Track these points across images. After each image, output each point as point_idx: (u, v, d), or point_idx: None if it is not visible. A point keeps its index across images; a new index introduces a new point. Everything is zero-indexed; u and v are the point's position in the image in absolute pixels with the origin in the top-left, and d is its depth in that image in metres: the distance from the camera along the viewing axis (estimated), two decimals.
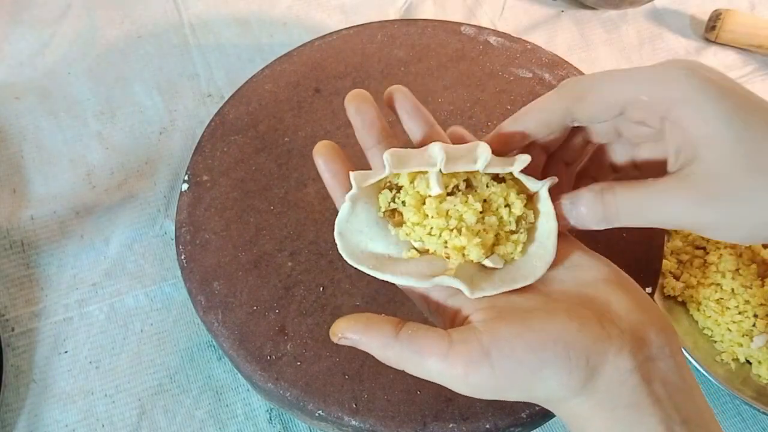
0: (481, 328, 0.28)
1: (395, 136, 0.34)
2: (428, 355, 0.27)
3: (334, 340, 0.29)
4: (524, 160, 0.31)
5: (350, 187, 0.32)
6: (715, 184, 0.27)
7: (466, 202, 0.31)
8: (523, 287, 0.30)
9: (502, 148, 0.32)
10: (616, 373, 0.26)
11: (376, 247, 0.32)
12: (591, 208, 0.30)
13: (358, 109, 0.34)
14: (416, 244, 0.32)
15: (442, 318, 0.31)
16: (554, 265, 0.31)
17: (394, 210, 0.32)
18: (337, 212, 0.33)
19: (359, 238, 0.32)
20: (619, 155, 0.34)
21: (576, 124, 0.32)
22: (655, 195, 0.29)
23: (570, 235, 0.33)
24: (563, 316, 0.27)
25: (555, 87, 0.33)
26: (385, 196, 0.32)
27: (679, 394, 0.27)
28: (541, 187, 0.32)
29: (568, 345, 0.26)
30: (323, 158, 0.34)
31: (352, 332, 0.29)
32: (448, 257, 0.31)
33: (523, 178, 0.32)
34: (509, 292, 0.30)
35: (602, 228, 0.31)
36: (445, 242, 0.31)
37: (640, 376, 0.26)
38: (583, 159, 0.35)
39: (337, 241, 0.32)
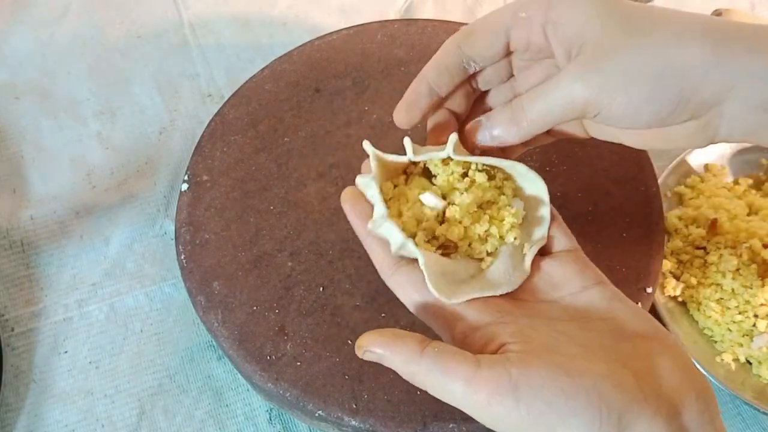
0: (513, 358, 0.26)
1: None
2: (453, 376, 0.26)
3: (359, 354, 0.29)
4: (452, 139, 0.32)
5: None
6: (602, 49, 0.29)
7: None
8: (563, 326, 0.29)
9: (413, 107, 0.34)
10: None
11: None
12: (501, 115, 0.32)
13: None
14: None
15: (469, 349, 0.29)
16: (593, 314, 0.30)
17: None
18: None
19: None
20: (503, 97, 0.36)
21: (472, 66, 0.33)
22: (554, 84, 0.30)
23: (609, 284, 0.32)
24: (602, 369, 0.26)
25: None
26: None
27: None
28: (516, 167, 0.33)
29: (603, 398, 0.25)
30: (349, 202, 0.33)
31: (377, 346, 0.28)
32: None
33: (493, 162, 0.33)
34: (545, 334, 0.29)
35: (519, 140, 0.32)
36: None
37: None
38: (467, 112, 0.36)
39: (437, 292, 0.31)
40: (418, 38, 0.56)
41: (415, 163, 0.34)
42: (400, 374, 0.28)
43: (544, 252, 0.33)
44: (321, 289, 0.46)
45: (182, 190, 0.50)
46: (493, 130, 0.32)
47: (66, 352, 0.51)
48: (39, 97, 0.63)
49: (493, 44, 0.33)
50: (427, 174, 0.34)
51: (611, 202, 0.49)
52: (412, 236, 0.31)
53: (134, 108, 0.63)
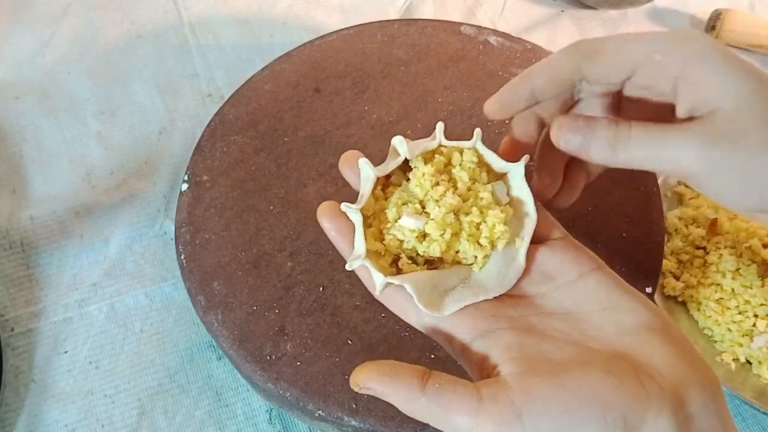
0: (512, 383, 0.26)
1: None
2: (456, 412, 0.26)
3: (355, 389, 0.28)
4: (478, 133, 0.31)
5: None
6: (732, 128, 0.26)
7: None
8: (559, 322, 0.29)
9: (508, 105, 0.32)
10: None
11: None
12: (603, 132, 0.29)
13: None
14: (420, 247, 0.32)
15: (468, 362, 0.29)
16: (591, 304, 0.30)
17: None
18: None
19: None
20: (591, 110, 0.34)
21: (584, 85, 0.31)
22: (671, 132, 0.28)
23: (606, 269, 0.31)
24: (599, 372, 0.26)
25: None
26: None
27: None
28: (512, 169, 0.32)
29: (605, 406, 0.25)
30: (327, 217, 0.32)
31: (375, 383, 0.27)
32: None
33: (488, 155, 0.32)
34: (539, 336, 0.28)
35: (603, 161, 0.29)
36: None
37: None
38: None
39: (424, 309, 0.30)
40: (418, 38, 0.56)
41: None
42: (401, 410, 0.27)
43: (534, 242, 0.32)
44: (321, 289, 0.46)
45: (182, 190, 0.50)
46: (587, 140, 0.30)
47: (66, 352, 0.51)
48: (39, 97, 0.63)
49: (618, 73, 0.30)
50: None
51: (611, 202, 0.49)
52: (396, 258, 0.31)
53: (134, 108, 0.63)
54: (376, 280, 0.30)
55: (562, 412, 0.25)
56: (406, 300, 0.30)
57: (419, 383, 0.27)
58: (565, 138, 0.30)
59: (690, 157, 0.27)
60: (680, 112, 0.29)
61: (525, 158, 0.32)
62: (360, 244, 0.31)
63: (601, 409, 0.25)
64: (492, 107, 0.33)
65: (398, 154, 0.32)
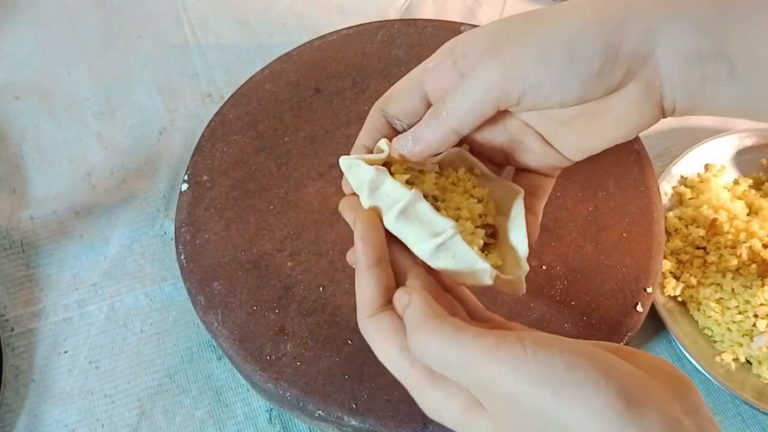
0: (518, 329, 0.28)
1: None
2: (464, 331, 0.26)
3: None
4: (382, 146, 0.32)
5: (378, 259, 0.31)
6: (510, 37, 0.30)
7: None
8: None
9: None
10: None
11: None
12: (425, 117, 0.32)
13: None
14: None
15: None
16: None
17: None
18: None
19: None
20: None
21: (398, 124, 0.34)
22: (471, 75, 0.30)
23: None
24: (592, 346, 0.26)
25: None
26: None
27: None
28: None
29: (607, 374, 0.24)
30: (364, 224, 0.31)
31: (417, 292, 0.28)
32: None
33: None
34: None
35: (442, 140, 0.31)
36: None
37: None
38: None
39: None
40: (418, 38, 0.56)
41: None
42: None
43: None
44: (321, 289, 0.46)
45: (182, 190, 0.50)
46: (415, 135, 0.32)
47: (66, 352, 0.51)
48: (39, 97, 0.63)
49: (410, 100, 0.33)
50: None
51: (611, 202, 0.49)
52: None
53: (134, 108, 0.63)
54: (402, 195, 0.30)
55: (563, 349, 0.25)
56: (393, 330, 0.29)
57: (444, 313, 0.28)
58: (400, 146, 0.32)
59: (493, 72, 0.29)
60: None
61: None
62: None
63: (605, 373, 0.24)
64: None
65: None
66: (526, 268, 0.32)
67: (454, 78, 0.31)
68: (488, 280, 0.29)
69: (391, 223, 0.30)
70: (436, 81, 0.32)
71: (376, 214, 0.31)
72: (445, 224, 0.29)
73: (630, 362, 0.25)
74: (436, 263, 0.30)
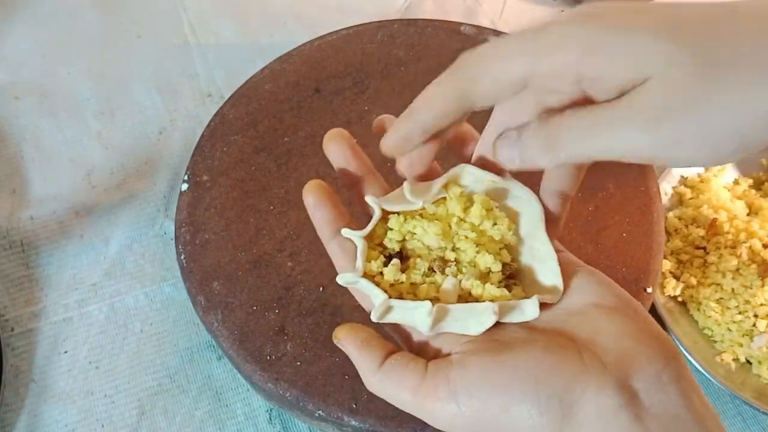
0: (454, 361, 0.26)
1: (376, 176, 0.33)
2: (402, 387, 0.27)
3: (335, 341, 0.29)
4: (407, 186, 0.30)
5: (336, 229, 0.31)
6: (673, 99, 0.23)
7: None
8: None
9: (402, 149, 0.29)
10: (600, 411, 0.24)
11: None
12: (534, 141, 0.26)
13: (336, 150, 0.32)
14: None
15: (424, 355, 0.29)
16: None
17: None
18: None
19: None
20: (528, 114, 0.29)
21: (477, 109, 0.27)
22: (606, 118, 0.25)
23: (566, 252, 0.31)
24: (539, 351, 0.26)
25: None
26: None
27: (682, 426, 0.24)
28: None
29: (538, 383, 0.25)
30: (312, 198, 0.31)
31: (348, 343, 0.29)
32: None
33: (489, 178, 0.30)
34: (497, 325, 0.28)
35: (548, 164, 0.27)
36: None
37: (630, 413, 0.24)
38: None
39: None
40: (418, 38, 0.56)
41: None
42: (364, 383, 0.28)
43: None
44: (321, 289, 0.46)
45: (182, 190, 0.50)
46: (523, 153, 0.27)
47: (66, 352, 0.51)
48: (39, 97, 0.63)
49: (507, 94, 0.26)
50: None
51: (611, 202, 0.49)
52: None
53: (134, 108, 0.63)
54: (375, 300, 0.29)
55: (493, 389, 0.25)
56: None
57: (382, 356, 0.28)
58: (506, 159, 0.28)
59: (642, 141, 0.24)
60: (601, 99, 0.25)
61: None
62: (360, 263, 0.30)
63: (534, 386, 0.25)
64: (390, 148, 0.30)
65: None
66: (554, 300, 0.29)
67: (572, 90, 0.25)
68: (492, 318, 0.28)
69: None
70: (546, 85, 0.26)
71: (321, 183, 0.31)
72: (424, 306, 0.28)
73: (622, 323, 0.26)
74: (441, 330, 0.29)
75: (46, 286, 0.54)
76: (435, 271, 0.30)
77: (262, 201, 0.49)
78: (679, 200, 0.56)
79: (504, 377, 0.25)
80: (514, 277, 0.31)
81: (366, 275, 0.29)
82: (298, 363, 0.43)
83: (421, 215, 0.31)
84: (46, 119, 0.62)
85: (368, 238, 0.30)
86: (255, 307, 0.45)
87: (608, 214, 0.48)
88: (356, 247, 0.30)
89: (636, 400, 0.25)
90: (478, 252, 0.30)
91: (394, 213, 0.31)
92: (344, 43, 0.56)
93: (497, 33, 0.56)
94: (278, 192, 0.49)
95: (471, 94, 0.26)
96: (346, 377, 0.42)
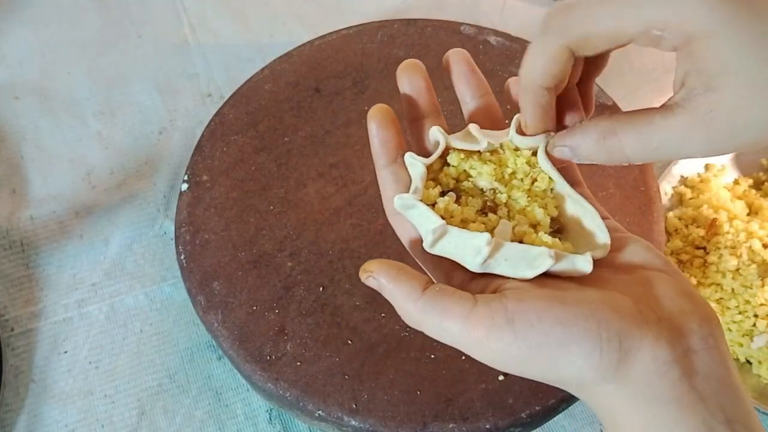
0: (509, 295, 0.26)
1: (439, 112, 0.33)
2: (450, 314, 0.26)
3: (362, 277, 0.28)
4: (515, 120, 0.31)
5: (394, 157, 0.31)
6: (736, 117, 0.24)
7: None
8: None
9: (545, 121, 0.30)
10: (653, 363, 0.24)
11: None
12: (596, 156, 0.28)
13: (410, 80, 0.33)
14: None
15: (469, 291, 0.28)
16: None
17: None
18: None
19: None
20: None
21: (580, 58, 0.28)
22: (665, 134, 0.26)
23: (610, 218, 0.31)
24: (599, 296, 0.26)
25: None
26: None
27: (724, 391, 0.25)
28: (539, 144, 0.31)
29: (601, 323, 0.25)
30: (376, 122, 0.31)
31: (382, 275, 0.27)
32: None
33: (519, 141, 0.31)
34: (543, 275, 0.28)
35: (603, 163, 0.29)
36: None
37: (680, 368, 0.25)
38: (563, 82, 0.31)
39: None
40: (418, 38, 0.56)
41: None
42: (397, 311, 0.27)
43: None
44: (321, 289, 0.46)
45: (182, 190, 0.50)
46: (576, 150, 0.29)
47: (66, 352, 0.51)
48: (39, 97, 0.63)
49: (611, 46, 0.27)
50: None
51: (611, 202, 0.49)
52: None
53: (134, 108, 0.63)
54: (430, 225, 0.29)
55: (555, 322, 0.25)
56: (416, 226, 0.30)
57: (421, 285, 0.27)
58: (560, 153, 0.30)
59: (692, 152, 0.26)
60: (679, 80, 0.26)
61: (544, 135, 0.31)
62: (420, 185, 0.30)
63: (597, 326, 0.25)
64: (531, 129, 0.31)
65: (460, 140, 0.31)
66: (602, 254, 0.29)
67: (667, 55, 0.26)
68: (548, 262, 0.27)
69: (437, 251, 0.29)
70: (646, 45, 0.26)
71: (389, 109, 0.31)
72: (481, 239, 0.28)
73: (672, 284, 0.27)
74: (491, 269, 0.29)
75: (46, 286, 0.54)
76: (487, 213, 0.30)
77: (262, 201, 0.49)
78: (679, 200, 0.56)
79: (566, 313, 0.25)
80: (561, 233, 0.31)
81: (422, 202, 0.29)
82: (298, 363, 0.43)
83: (478, 158, 0.31)
84: (46, 119, 0.62)
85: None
86: (255, 307, 0.45)
87: (608, 214, 0.48)
88: (409, 179, 0.30)
89: (687, 357, 0.25)
90: (530, 202, 0.31)
91: (453, 150, 0.31)
92: (344, 43, 0.56)
93: (497, 33, 0.56)
94: (278, 192, 0.49)
95: (578, 50, 0.27)
96: (346, 377, 0.42)
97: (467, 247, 0.28)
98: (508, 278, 0.28)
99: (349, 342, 0.44)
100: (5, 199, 0.57)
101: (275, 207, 0.49)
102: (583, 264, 0.28)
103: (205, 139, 0.52)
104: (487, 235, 0.27)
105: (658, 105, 0.27)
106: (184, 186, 0.50)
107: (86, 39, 0.67)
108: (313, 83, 0.54)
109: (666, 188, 0.56)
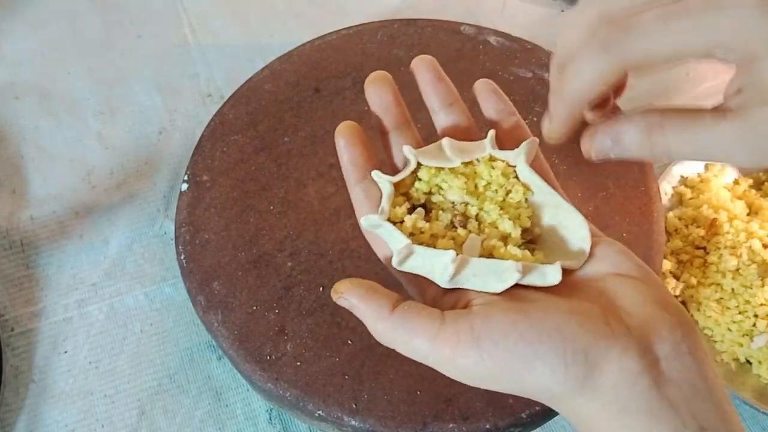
0: (476, 311, 0.26)
1: (410, 124, 0.33)
2: (418, 333, 0.26)
3: (334, 298, 0.28)
4: (491, 135, 0.31)
5: (364, 173, 0.31)
6: None
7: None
8: None
9: (571, 127, 0.29)
10: (622, 374, 0.25)
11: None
12: (639, 149, 0.27)
13: (378, 94, 0.33)
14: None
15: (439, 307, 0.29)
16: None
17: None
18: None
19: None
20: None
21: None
22: (714, 137, 0.25)
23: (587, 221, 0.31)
24: (565, 309, 0.26)
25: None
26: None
27: (697, 397, 0.25)
28: (515, 157, 0.31)
29: (566, 338, 0.25)
30: (344, 140, 0.31)
31: (352, 296, 0.28)
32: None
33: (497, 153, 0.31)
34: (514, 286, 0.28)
35: (640, 156, 0.28)
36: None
37: (650, 378, 0.25)
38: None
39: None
40: (418, 38, 0.56)
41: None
42: (369, 330, 0.28)
43: None
44: (321, 289, 0.46)
45: (182, 190, 0.50)
46: (620, 140, 0.28)
47: (66, 352, 0.51)
48: (39, 97, 0.63)
49: (669, 64, 0.26)
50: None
51: (611, 202, 0.49)
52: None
53: (134, 108, 0.63)
54: (397, 245, 0.29)
55: (519, 340, 0.25)
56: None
57: (390, 303, 0.27)
58: (598, 149, 0.29)
59: (740, 160, 0.25)
60: (729, 85, 0.26)
61: (528, 142, 0.31)
62: (386, 206, 0.30)
63: (561, 342, 0.25)
64: (555, 135, 0.30)
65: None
66: (577, 265, 0.29)
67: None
68: (515, 276, 0.28)
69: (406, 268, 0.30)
70: (704, 61, 0.26)
71: (356, 125, 0.31)
72: (447, 255, 0.28)
73: (643, 291, 0.27)
74: (460, 284, 0.29)
75: (45, 286, 0.54)
76: (456, 228, 0.30)
77: (262, 201, 0.49)
78: (679, 200, 0.56)
79: (531, 330, 0.25)
80: (535, 243, 0.31)
81: (389, 220, 0.29)
82: (298, 363, 0.43)
83: (449, 171, 0.31)
84: (46, 119, 0.62)
85: (394, 186, 0.31)
86: (255, 307, 0.45)
87: (608, 214, 0.48)
88: (381, 194, 0.30)
89: (656, 366, 0.25)
90: (500, 215, 0.31)
91: (424, 165, 0.31)
92: (344, 43, 0.56)
93: (497, 33, 0.56)
94: (278, 192, 0.49)
95: (636, 72, 0.27)
96: (346, 377, 0.42)
97: (434, 265, 0.28)
98: (476, 297, 0.28)
99: (349, 342, 0.44)
100: (5, 199, 0.57)
101: (275, 207, 0.49)
102: (553, 274, 0.28)
103: (205, 139, 0.52)
104: (452, 253, 0.28)
105: (657, 104, 0.27)
106: (184, 186, 0.50)
107: (86, 39, 0.67)
108: (313, 83, 0.54)
109: (666, 188, 0.56)
